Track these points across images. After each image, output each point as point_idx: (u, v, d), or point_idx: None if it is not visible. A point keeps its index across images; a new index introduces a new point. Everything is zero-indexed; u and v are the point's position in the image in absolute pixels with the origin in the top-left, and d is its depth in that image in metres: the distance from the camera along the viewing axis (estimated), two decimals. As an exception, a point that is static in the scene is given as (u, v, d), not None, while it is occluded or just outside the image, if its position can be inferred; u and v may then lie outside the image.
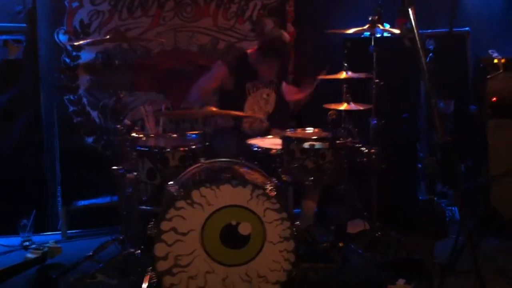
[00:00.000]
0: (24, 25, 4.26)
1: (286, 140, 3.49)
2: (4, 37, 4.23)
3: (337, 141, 3.46)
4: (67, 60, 4.28)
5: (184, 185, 3.02)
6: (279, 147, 3.51)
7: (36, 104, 4.34)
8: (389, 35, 3.90)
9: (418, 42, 2.10)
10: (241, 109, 3.94)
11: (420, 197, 4.36)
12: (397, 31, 3.96)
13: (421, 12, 4.60)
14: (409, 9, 2.16)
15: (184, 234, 2.84)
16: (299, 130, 3.79)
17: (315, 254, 3.53)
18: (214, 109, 3.48)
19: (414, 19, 2.15)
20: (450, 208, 4.38)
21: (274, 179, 3.12)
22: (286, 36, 3.98)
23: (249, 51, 4.03)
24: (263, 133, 3.95)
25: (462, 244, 3.21)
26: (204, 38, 4.54)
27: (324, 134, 3.63)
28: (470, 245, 2.35)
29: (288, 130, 3.75)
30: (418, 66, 2.15)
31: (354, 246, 3.74)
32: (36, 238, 4.13)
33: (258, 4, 4.61)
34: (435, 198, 4.28)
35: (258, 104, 4.03)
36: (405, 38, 2.18)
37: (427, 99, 4.12)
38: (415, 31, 2.13)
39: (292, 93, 4.23)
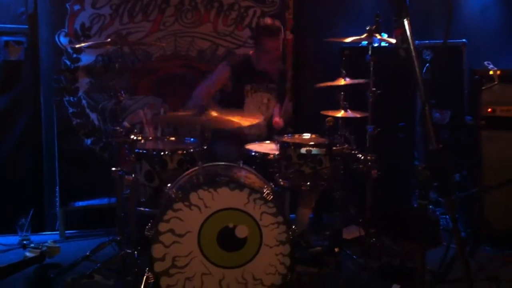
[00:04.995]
0: (26, 26, 4.29)
1: (283, 145, 3.53)
2: (5, 38, 4.25)
3: (334, 148, 3.51)
4: (67, 62, 4.31)
5: (182, 187, 3.05)
6: (277, 152, 3.55)
7: (36, 105, 4.37)
8: (386, 44, 3.95)
9: (413, 53, 2.14)
10: (239, 110, 3.97)
11: (415, 205, 4.40)
12: (394, 40, 4.02)
13: (419, 23, 4.67)
14: (404, 20, 2.20)
15: (181, 235, 2.87)
16: (296, 135, 3.84)
17: (309, 259, 3.57)
18: (215, 114, 3.41)
19: (409, 30, 2.19)
20: (445, 216, 4.44)
21: (271, 184, 3.16)
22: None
23: (251, 52, 4.09)
24: (262, 138, 3.99)
25: (455, 253, 3.26)
26: (204, 43, 4.59)
27: (321, 140, 3.67)
28: (462, 253, 2.37)
29: (285, 135, 3.79)
30: (414, 76, 2.19)
31: (349, 252, 3.78)
32: (35, 238, 4.15)
33: (257, 12, 4.66)
34: (430, 206, 4.32)
35: (259, 109, 4.08)
36: (400, 48, 2.21)
37: (421, 107, 4.17)
38: (410, 42, 2.17)
39: (277, 115, 4.20)
